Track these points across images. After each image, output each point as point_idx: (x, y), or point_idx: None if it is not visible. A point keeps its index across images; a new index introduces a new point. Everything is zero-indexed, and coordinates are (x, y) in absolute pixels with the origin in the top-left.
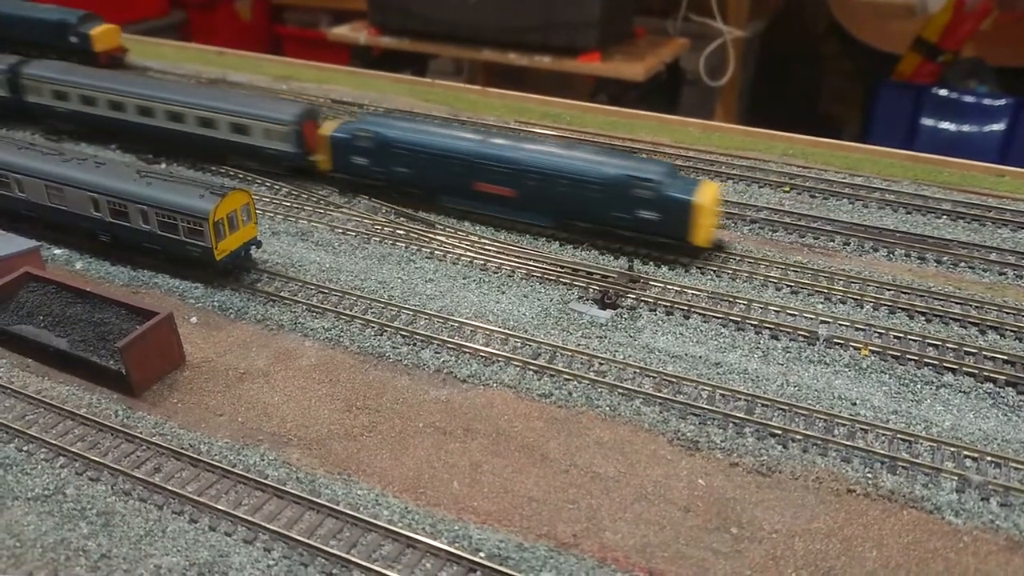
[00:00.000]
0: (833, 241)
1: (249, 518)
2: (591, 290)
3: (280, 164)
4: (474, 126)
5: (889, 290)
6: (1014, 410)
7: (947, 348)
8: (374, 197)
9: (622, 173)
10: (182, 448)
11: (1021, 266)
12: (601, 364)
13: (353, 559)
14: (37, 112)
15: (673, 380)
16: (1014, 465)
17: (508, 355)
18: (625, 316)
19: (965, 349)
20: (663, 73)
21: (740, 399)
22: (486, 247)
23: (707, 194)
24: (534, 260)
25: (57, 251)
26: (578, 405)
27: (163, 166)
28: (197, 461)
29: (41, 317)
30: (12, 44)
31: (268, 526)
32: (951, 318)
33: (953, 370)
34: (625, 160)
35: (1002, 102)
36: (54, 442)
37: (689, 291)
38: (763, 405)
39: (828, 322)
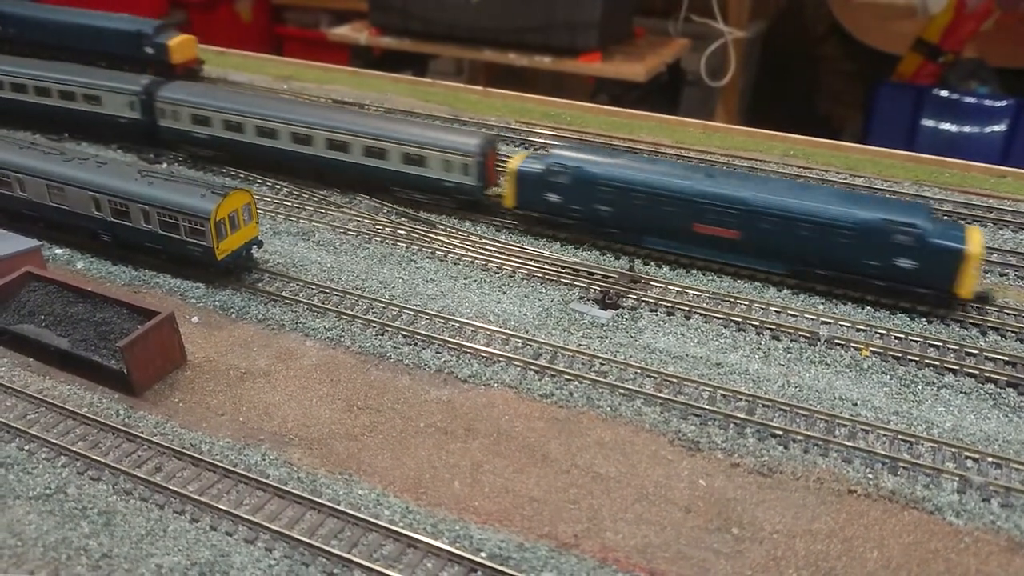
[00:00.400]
0: None
1: (250, 518)
2: (592, 290)
3: (455, 197)
4: (692, 162)
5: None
6: (1015, 411)
7: (948, 349)
8: (374, 197)
9: (879, 217)
10: (183, 448)
11: (1022, 267)
12: (602, 364)
13: (354, 559)
14: (172, 137)
15: (674, 380)
16: (1015, 466)
17: (509, 355)
18: (626, 316)
19: (966, 350)
20: (664, 73)
21: (741, 400)
22: (487, 247)
23: (975, 241)
24: (535, 260)
25: (58, 251)
26: (579, 405)
27: (164, 166)
28: (198, 461)
29: (42, 317)
30: (85, 55)
31: (269, 526)
32: (952, 319)
33: (954, 371)
34: (877, 202)
35: (1003, 103)
36: (55, 441)
37: (690, 291)
38: (764, 406)
39: (829, 323)
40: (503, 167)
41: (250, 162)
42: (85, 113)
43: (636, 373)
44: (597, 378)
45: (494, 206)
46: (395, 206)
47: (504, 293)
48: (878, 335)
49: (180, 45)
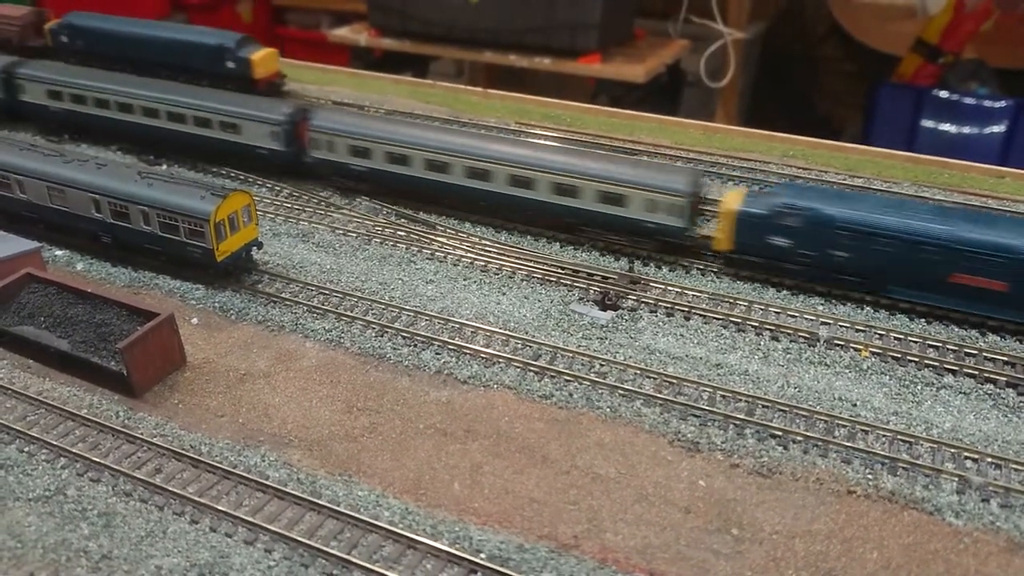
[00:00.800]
0: None
1: (250, 519)
2: (592, 291)
3: (659, 239)
4: (941, 205)
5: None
6: (1014, 411)
7: (947, 349)
8: (375, 198)
9: None
10: (183, 449)
11: None
12: (602, 365)
13: (354, 560)
14: (323, 170)
15: (674, 381)
16: (1014, 466)
17: (509, 356)
18: (626, 317)
19: (965, 350)
20: (664, 75)
21: (741, 400)
22: (487, 248)
23: None
24: (535, 261)
25: (58, 252)
26: (579, 406)
27: (164, 167)
28: (198, 462)
29: (42, 318)
30: (164, 70)
31: (269, 527)
32: (951, 320)
33: (954, 371)
34: None
35: (1002, 104)
36: (55, 443)
37: (690, 292)
38: (764, 406)
39: (828, 323)
40: (712, 207)
41: (418, 197)
42: (223, 142)
43: (636, 374)
44: (597, 379)
45: (702, 248)
46: (394, 207)
47: (504, 294)
48: (877, 336)
49: (263, 59)
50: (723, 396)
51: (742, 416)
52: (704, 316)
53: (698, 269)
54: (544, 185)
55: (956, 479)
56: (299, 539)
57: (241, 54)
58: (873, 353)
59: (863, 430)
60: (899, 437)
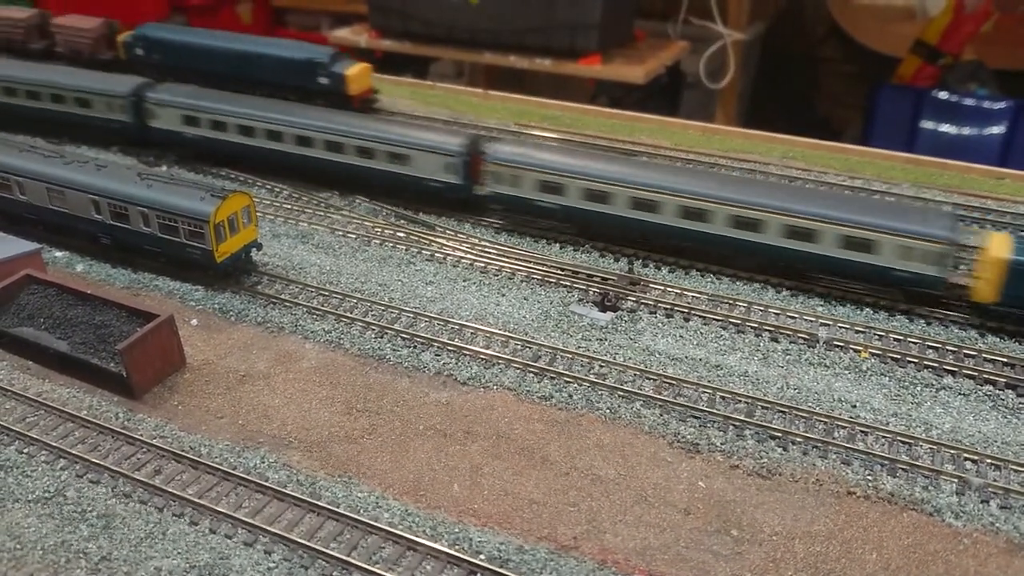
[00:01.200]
0: None
1: (250, 520)
2: (591, 292)
3: (912, 289)
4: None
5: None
6: (1014, 412)
7: (947, 351)
8: (374, 199)
9: None
10: (183, 450)
11: None
12: (601, 366)
13: (354, 561)
14: (511, 207)
15: (673, 383)
16: (1014, 467)
17: (508, 357)
18: (625, 318)
19: (965, 352)
20: (663, 76)
21: (740, 401)
22: (486, 249)
23: None
24: (534, 262)
25: (58, 253)
26: (578, 407)
27: (164, 168)
28: (198, 463)
29: (42, 319)
30: (251, 85)
31: (269, 528)
32: (951, 321)
33: (953, 373)
34: None
35: (1002, 105)
36: (55, 444)
37: (689, 293)
38: (763, 407)
39: (828, 324)
40: (973, 253)
41: (619, 238)
42: (389, 174)
43: (635, 375)
44: (596, 380)
45: (955, 298)
46: (394, 208)
47: (503, 295)
48: (877, 337)
49: (358, 75)
50: (723, 397)
51: (742, 417)
52: (704, 317)
53: (697, 270)
54: (773, 228)
55: (956, 480)
56: (299, 540)
57: (335, 69)
58: (873, 354)
59: (862, 431)
60: (899, 438)
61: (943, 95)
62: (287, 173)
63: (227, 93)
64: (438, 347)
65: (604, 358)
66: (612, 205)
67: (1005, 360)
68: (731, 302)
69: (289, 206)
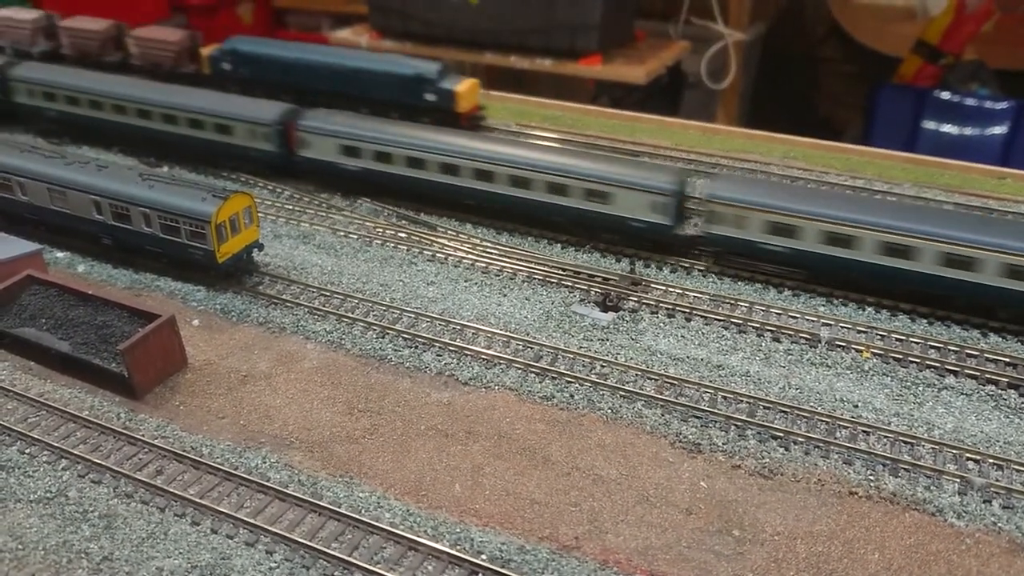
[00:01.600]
0: None
1: (251, 521)
2: (593, 293)
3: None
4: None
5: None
6: (1016, 412)
7: (949, 351)
8: (376, 200)
9: None
10: (184, 451)
11: None
12: (603, 367)
13: (355, 561)
14: (735, 251)
15: (675, 383)
16: (1016, 467)
17: (510, 358)
18: (627, 319)
19: (967, 352)
20: (664, 76)
21: (742, 401)
22: (488, 250)
23: None
24: (536, 263)
25: (59, 254)
26: (580, 407)
27: (165, 169)
28: (199, 464)
29: (43, 320)
30: (354, 101)
31: (270, 528)
32: (953, 321)
33: (955, 372)
34: None
35: (1003, 105)
36: (56, 445)
37: (691, 293)
38: (765, 407)
39: (830, 324)
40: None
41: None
42: (587, 212)
43: (637, 375)
44: (598, 380)
45: None
46: (395, 208)
47: (505, 296)
48: (879, 337)
49: (467, 91)
50: (724, 397)
51: (743, 417)
52: (705, 317)
53: (699, 271)
54: (993, 267)
55: (958, 480)
56: (300, 541)
57: (444, 85)
58: (875, 354)
59: (865, 431)
60: (901, 438)
61: (944, 95)
62: (462, 208)
63: (389, 121)
64: (439, 347)
65: (606, 358)
66: (860, 251)
67: (1007, 360)
68: (733, 302)
69: (291, 207)
